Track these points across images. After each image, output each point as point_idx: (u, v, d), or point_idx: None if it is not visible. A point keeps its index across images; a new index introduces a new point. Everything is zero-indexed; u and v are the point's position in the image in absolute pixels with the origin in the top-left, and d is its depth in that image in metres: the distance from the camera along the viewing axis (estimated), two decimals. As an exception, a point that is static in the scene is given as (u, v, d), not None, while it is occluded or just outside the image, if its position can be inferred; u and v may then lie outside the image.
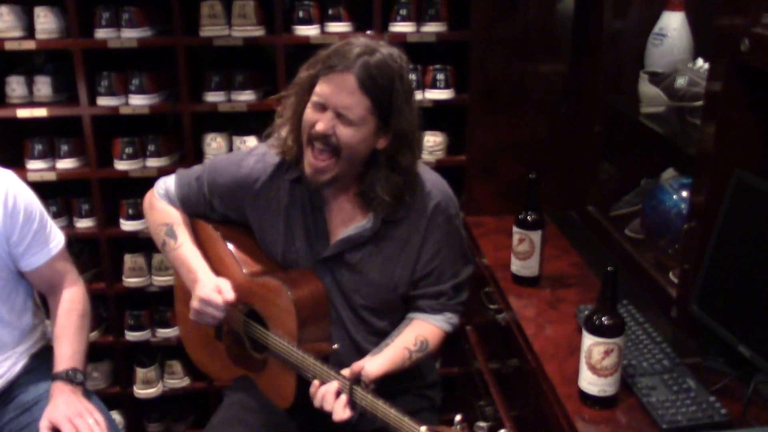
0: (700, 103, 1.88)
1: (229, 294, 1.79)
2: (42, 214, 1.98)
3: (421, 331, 1.84)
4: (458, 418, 1.52)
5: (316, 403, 1.66)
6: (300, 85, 1.73)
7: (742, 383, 1.62)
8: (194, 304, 1.81)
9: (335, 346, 1.83)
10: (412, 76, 2.60)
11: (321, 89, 1.66)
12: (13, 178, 1.92)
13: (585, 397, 1.59)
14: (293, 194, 1.83)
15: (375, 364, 1.71)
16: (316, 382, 1.68)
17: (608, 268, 1.49)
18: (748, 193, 1.58)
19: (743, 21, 1.49)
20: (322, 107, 1.66)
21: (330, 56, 1.66)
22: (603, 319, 1.52)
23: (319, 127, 1.65)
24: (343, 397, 1.63)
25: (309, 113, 1.68)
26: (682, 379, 1.61)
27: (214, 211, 1.94)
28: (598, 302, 1.53)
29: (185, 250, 1.91)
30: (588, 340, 1.54)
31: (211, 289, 1.79)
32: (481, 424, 1.50)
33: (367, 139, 1.68)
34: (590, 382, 1.56)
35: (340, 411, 1.62)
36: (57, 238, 2.02)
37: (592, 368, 1.54)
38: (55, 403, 1.89)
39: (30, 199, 1.95)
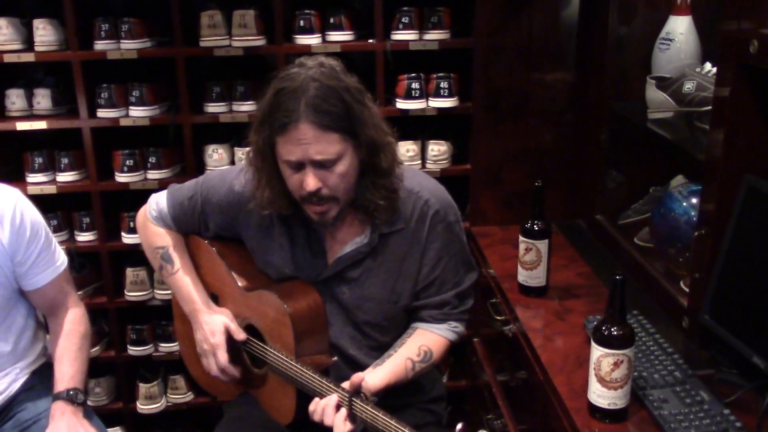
0: (708, 108, 1.84)
1: (239, 334, 1.84)
2: (47, 233, 1.97)
3: (425, 341, 1.80)
4: (459, 426, 1.48)
5: (316, 417, 1.62)
6: (261, 152, 1.66)
7: (756, 395, 1.57)
8: (205, 347, 1.84)
9: (334, 358, 1.79)
10: (415, 85, 2.57)
11: (286, 150, 1.58)
12: (20, 196, 1.91)
13: (594, 410, 1.54)
14: (287, 216, 1.79)
15: (376, 376, 1.67)
16: (316, 400, 1.64)
17: (616, 277, 1.45)
18: (760, 199, 1.55)
19: (751, 24, 1.46)
20: (298, 166, 1.60)
21: (273, 113, 1.58)
22: (612, 329, 1.47)
23: (311, 186, 1.59)
24: (343, 411, 1.60)
25: (290, 176, 1.63)
26: (695, 392, 1.56)
27: (208, 230, 1.92)
28: (607, 312, 1.49)
29: (182, 275, 1.90)
30: (597, 351, 1.49)
31: (221, 336, 1.82)
32: None
33: (354, 163, 1.63)
34: (599, 395, 1.51)
35: (341, 425, 1.59)
36: (61, 259, 2.00)
37: (602, 380, 1.50)
38: (56, 426, 1.86)
39: (36, 218, 1.94)
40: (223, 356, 1.81)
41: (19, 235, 1.87)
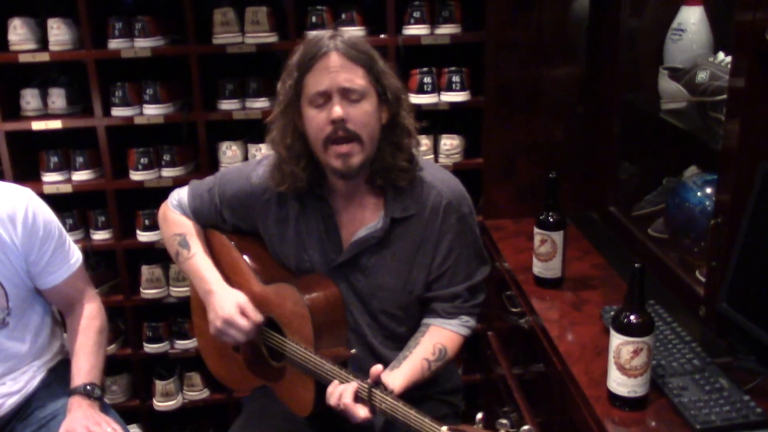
0: (722, 97, 1.84)
1: (256, 316, 1.80)
2: (61, 231, 1.97)
3: (439, 339, 1.81)
4: (479, 416, 1.49)
5: (333, 401, 1.63)
6: (286, 101, 1.71)
7: (776, 382, 1.57)
8: (217, 323, 1.81)
9: (353, 350, 1.80)
10: (427, 79, 2.58)
11: (315, 81, 1.65)
12: (32, 196, 1.92)
13: (614, 399, 1.55)
14: (303, 204, 1.81)
15: (395, 378, 1.68)
16: (336, 382, 1.65)
17: (635, 265, 1.45)
18: (777, 186, 1.54)
19: (766, 14, 1.46)
20: (324, 97, 1.64)
21: (303, 56, 1.66)
22: (631, 317, 1.48)
23: (336, 114, 1.62)
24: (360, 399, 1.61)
25: (315, 117, 1.66)
26: (714, 379, 1.56)
27: (225, 223, 1.93)
28: (626, 300, 1.49)
29: (198, 259, 1.91)
30: (616, 339, 1.50)
31: (233, 308, 1.79)
32: (503, 421, 1.46)
33: (375, 111, 1.68)
34: (619, 383, 1.52)
35: (356, 408, 1.60)
36: (75, 256, 2.01)
37: (621, 368, 1.50)
38: (73, 416, 1.88)
39: (49, 217, 1.94)
40: (241, 321, 1.77)
41: (32, 235, 1.88)
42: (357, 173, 1.71)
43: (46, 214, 1.93)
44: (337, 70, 1.63)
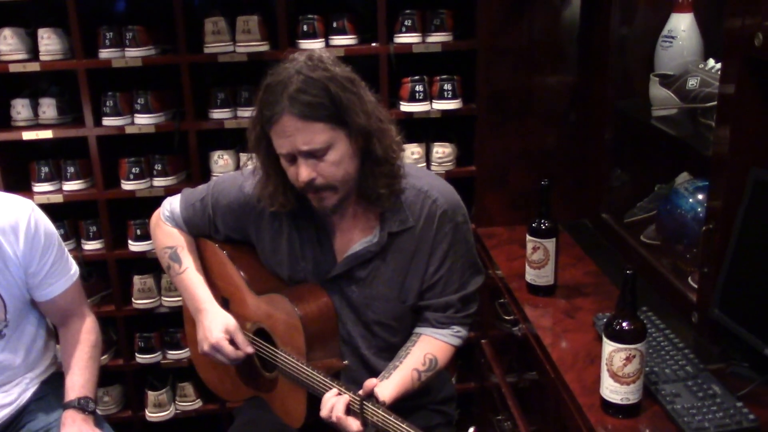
0: (713, 103, 1.85)
1: (245, 346, 1.82)
2: (60, 244, 1.97)
3: (429, 349, 1.80)
4: (471, 430, 1.48)
5: (324, 413, 1.62)
6: (257, 147, 1.70)
7: (769, 388, 1.57)
8: (204, 346, 1.82)
9: (345, 362, 1.79)
10: (419, 87, 2.58)
11: (277, 144, 1.62)
12: (34, 207, 1.92)
13: (607, 406, 1.55)
14: (296, 215, 1.80)
15: (385, 389, 1.66)
16: (334, 390, 1.64)
17: (627, 272, 1.45)
18: (767, 191, 1.54)
19: (755, 20, 1.46)
20: (291, 158, 1.62)
21: (262, 109, 1.61)
22: (623, 324, 1.48)
23: (303, 176, 1.61)
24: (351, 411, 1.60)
25: (288, 168, 1.66)
26: (707, 385, 1.56)
27: (218, 232, 1.92)
28: (618, 307, 1.49)
29: (189, 275, 1.90)
30: (609, 346, 1.49)
31: (222, 333, 1.80)
32: None
33: (348, 151, 1.63)
34: (612, 390, 1.52)
35: (350, 423, 1.59)
36: (73, 269, 2.01)
37: (614, 375, 1.50)
38: (67, 431, 1.86)
39: (50, 228, 1.94)
40: (228, 348, 1.79)
41: (33, 247, 1.87)
42: (338, 209, 1.72)
43: (47, 225, 1.93)
44: (294, 134, 1.57)
